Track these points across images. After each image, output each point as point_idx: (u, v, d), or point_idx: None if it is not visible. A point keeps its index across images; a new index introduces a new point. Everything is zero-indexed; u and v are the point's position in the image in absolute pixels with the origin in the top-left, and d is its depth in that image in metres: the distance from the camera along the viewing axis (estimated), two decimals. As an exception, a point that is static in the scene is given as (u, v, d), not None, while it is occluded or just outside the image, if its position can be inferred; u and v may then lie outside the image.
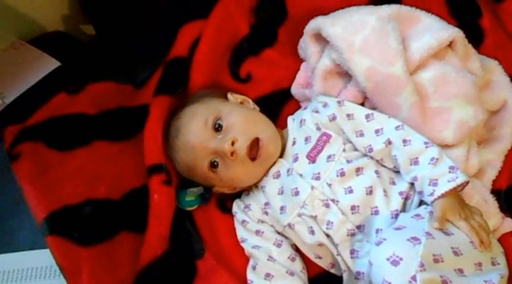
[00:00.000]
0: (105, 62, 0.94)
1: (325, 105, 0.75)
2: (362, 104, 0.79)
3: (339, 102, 0.75)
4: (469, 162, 0.75)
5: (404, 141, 0.68)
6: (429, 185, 0.64)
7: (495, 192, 0.76)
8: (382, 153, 0.70)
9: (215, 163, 0.73)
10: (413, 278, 0.53)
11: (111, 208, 0.76)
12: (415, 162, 0.67)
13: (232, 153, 0.70)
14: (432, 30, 0.75)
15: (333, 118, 0.74)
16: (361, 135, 0.72)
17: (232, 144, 0.70)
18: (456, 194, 0.64)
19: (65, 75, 0.89)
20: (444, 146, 0.74)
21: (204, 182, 0.77)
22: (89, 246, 0.72)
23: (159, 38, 0.89)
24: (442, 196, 0.63)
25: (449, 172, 0.65)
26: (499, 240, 0.68)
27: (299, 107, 0.87)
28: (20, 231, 0.81)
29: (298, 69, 0.88)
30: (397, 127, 0.70)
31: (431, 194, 0.63)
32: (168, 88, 0.83)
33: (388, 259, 0.55)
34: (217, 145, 0.71)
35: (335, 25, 0.76)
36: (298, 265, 0.73)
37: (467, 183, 0.66)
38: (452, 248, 0.58)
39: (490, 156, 0.78)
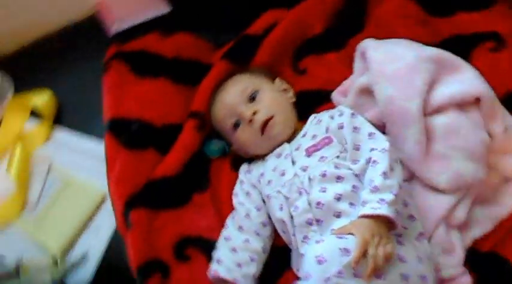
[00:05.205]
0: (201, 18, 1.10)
1: (340, 114, 0.83)
2: (383, 127, 0.83)
3: (352, 114, 0.82)
4: (454, 212, 0.77)
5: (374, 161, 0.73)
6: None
7: (472, 250, 0.78)
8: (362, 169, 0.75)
9: (237, 125, 0.88)
10: (328, 279, 0.63)
11: (150, 130, 0.96)
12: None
13: (250, 120, 0.84)
14: (463, 83, 0.78)
15: (341, 127, 0.81)
16: (357, 149, 0.78)
17: (254, 114, 0.85)
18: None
19: (167, 19, 1.08)
20: (436, 190, 0.78)
21: (226, 137, 0.92)
22: (126, 149, 0.93)
23: (247, 17, 1.04)
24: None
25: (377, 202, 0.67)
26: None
27: (333, 110, 0.95)
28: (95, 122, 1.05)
29: (348, 79, 0.96)
30: (383, 150, 0.73)
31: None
32: (234, 56, 0.99)
33: (316, 257, 0.66)
34: (243, 110, 0.86)
35: (377, 50, 0.83)
36: (266, 231, 0.84)
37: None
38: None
39: (482, 217, 0.79)
